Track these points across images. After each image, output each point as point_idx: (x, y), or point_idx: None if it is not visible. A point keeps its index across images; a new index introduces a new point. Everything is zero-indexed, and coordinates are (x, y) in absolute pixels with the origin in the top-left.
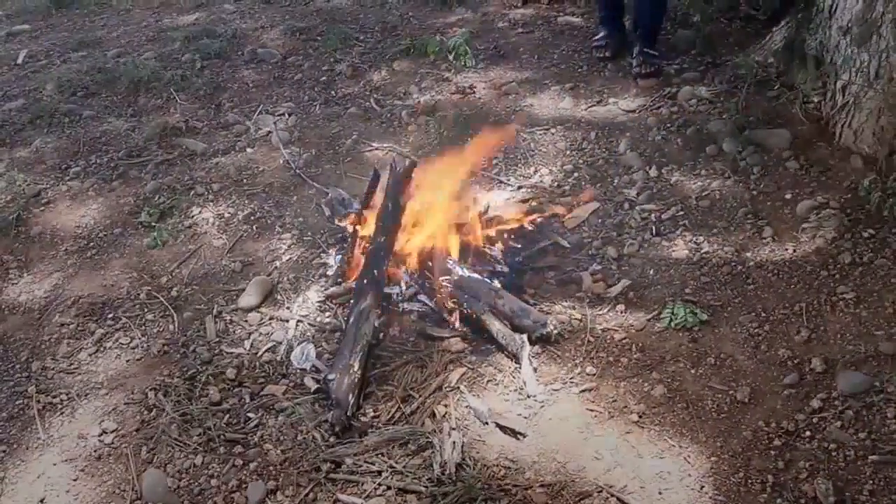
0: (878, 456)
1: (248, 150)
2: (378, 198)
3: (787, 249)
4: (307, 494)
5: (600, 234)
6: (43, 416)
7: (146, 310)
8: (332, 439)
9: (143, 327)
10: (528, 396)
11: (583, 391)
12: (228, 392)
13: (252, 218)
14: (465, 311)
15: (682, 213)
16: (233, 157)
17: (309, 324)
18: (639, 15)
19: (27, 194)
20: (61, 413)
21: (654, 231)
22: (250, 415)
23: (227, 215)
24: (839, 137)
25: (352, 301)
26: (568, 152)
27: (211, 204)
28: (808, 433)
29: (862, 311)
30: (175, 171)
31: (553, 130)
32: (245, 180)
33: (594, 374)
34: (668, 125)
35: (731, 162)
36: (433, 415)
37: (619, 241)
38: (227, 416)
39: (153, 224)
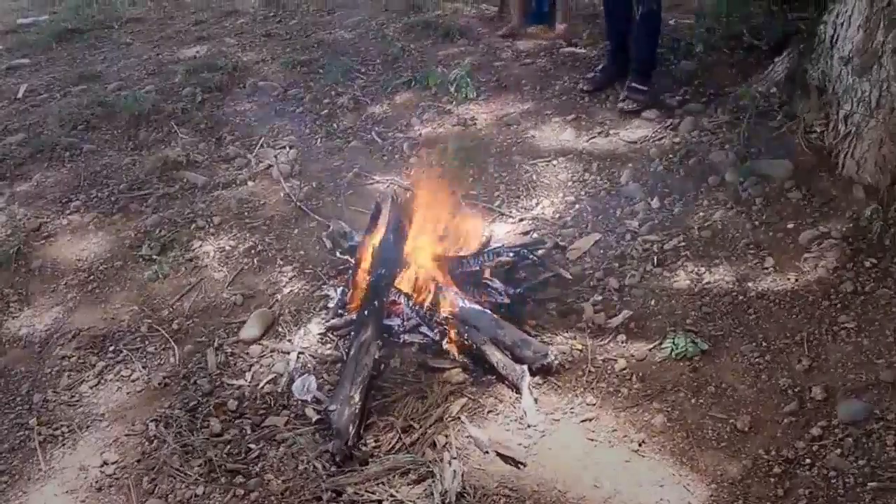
0: (878, 483)
1: (250, 183)
2: (379, 230)
3: (788, 279)
4: None
5: (602, 266)
6: (44, 448)
7: (147, 342)
8: (333, 469)
9: (144, 360)
10: (529, 426)
11: (583, 421)
12: (229, 423)
13: (253, 251)
14: (466, 342)
15: (683, 243)
16: (234, 190)
17: (310, 355)
18: (632, 47)
19: (27, 228)
20: (62, 445)
21: (655, 262)
22: (251, 445)
23: (228, 248)
24: (842, 167)
25: (353, 333)
26: (570, 184)
27: (212, 237)
28: (807, 461)
29: (863, 339)
30: (176, 205)
31: (555, 162)
32: (246, 213)
33: (594, 404)
34: (671, 156)
35: (733, 192)
36: (434, 444)
37: (621, 272)
38: (229, 446)
39: (154, 257)
